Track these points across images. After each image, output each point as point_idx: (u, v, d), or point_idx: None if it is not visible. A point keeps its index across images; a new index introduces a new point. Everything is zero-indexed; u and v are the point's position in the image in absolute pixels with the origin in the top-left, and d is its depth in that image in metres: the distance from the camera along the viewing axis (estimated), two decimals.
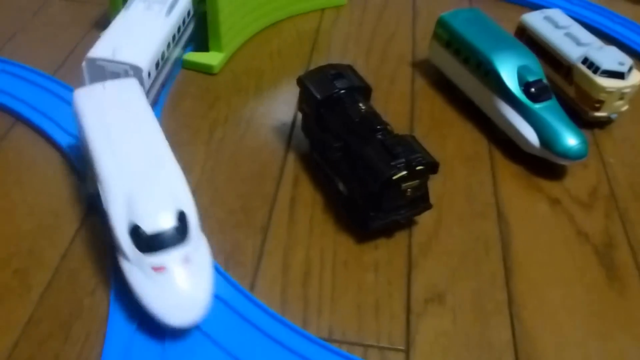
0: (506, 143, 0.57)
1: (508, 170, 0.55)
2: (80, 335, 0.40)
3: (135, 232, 0.39)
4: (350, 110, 0.48)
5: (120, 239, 0.39)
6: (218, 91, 0.60)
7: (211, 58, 0.62)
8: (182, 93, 0.60)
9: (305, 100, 0.51)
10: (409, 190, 0.45)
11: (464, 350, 0.41)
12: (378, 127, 0.46)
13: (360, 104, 0.48)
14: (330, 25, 0.71)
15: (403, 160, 0.43)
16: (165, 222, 0.39)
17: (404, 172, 0.43)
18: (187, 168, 0.49)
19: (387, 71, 0.65)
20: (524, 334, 0.43)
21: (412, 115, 0.60)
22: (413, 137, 0.47)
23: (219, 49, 0.62)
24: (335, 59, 0.66)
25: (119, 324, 0.40)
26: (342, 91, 0.49)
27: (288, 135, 0.56)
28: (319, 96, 0.49)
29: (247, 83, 0.62)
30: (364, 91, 0.51)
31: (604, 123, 0.61)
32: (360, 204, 0.46)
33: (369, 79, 0.52)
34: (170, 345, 0.40)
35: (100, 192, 0.41)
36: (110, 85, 0.47)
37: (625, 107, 0.60)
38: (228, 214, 0.49)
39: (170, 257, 0.39)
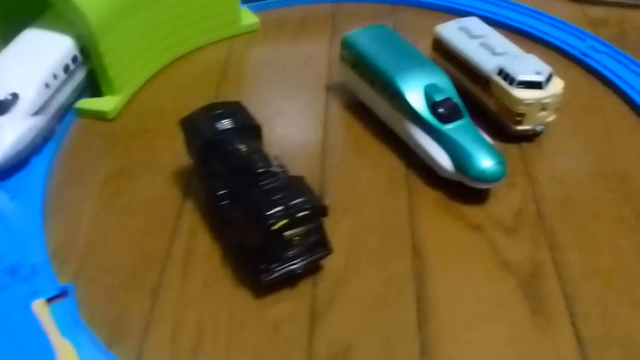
0: (424, 169, 0.52)
1: (426, 198, 0.51)
2: None
3: None
4: (231, 153, 0.43)
5: None
6: (115, 139, 0.56)
7: (104, 103, 0.57)
8: (73, 146, 0.55)
9: (189, 145, 0.47)
10: (295, 238, 0.40)
11: None
12: (259, 170, 0.42)
13: (242, 146, 0.44)
14: (241, 53, 0.67)
15: (282, 207, 0.39)
16: None
17: (284, 221, 0.39)
18: (75, 229, 0.45)
19: (301, 98, 0.61)
20: None
21: (324, 145, 0.55)
22: (301, 179, 0.42)
23: (111, 92, 0.58)
24: (245, 90, 0.62)
25: None
26: (223, 132, 0.45)
27: (186, 182, 0.52)
28: (198, 141, 0.45)
29: (146, 125, 0.57)
30: (251, 129, 0.46)
31: (531, 136, 0.56)
32: (253, 256, 0.42)
33: (281, 108, 0.48)
34: None
35: None
36: None
37: (551, 118, 0.56)
38: (118, 277, 0.45)
39: None
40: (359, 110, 0.59)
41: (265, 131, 0.49)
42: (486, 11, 0.72)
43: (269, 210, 0.39)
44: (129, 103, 0.60)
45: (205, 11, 0.65)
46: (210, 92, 0.61)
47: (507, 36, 0.60)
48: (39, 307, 0.41)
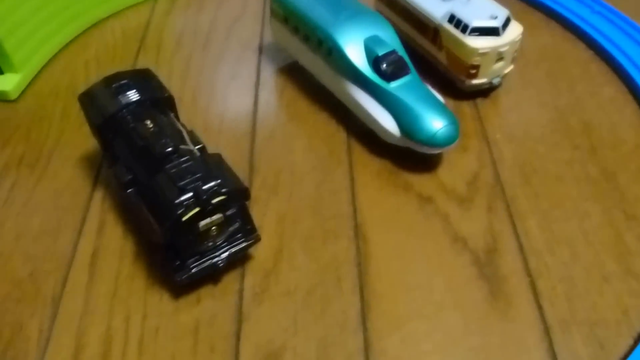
0: (367, 135, 0.46)
1: (369, 169, 0.45)
2: None
3: None
4: (135, 132, 0.37)
5: None
6: (16, 122, 0.49)
7: (4, 82, 0.50)
8: None
9: (89, 125, 0.41)
10: (212, 228, 0.34)
11: None
12: (167, 150, 0.35)
13: (148, 122, 0.37)
14: (163, 17, 0.60)
15: (191, 194, 0.33)
16: None
17: (195, 210, 0.33)
18: None
19: (228, 63, 0.54)
20: None
21: (254, 114, 0.49)
22: (217, 157, 0.36)
23: (13, 69, 0.50)
24: (166, 58, 0.55)
25: None
26: (125, 107, 0.38)
27: (97, 170, 0.45)
28: (98, 119, 0.38)
29: (53, 106, 0.50)
30: (161, 102, 0.40)
31: (487, 91, 0.51)
32: (167, 252, 0.36)
33: (207, 76, 0.41)
34: None
35: None
36: None
37: (509, 69, 0.50)
38: (13, 287, 0.38)
39: None
40: (294, 72, 0.52)
41: (188, 103, 0.42)
42: None
43: (177, 199, 0.33)
44: (33, 81, 0.52)
45: None
46: (127, 63, 0.54)
47: None
48: None
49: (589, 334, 0.36)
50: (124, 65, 0.54)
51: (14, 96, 0.50)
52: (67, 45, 0.56)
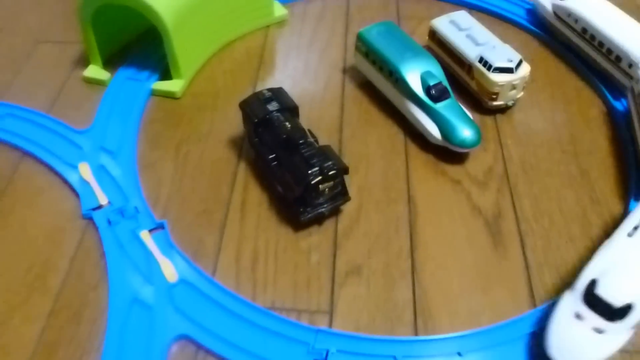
0: (418, 137, 0.69)
1: (419, 160, 0.67)
2: (88, 320, 0.54)
3: None
4: (278, 128, 0.60)
5: None
6: (182, 113, 0.73)
7: (174, 85, 0.74)
8: (151, 118, 0.72)
9: (246, 121, 0.64)
10: (326, 189, 0.57)
11: (374, 309, 0.55)
12: (300, 142, 0.59)
13: (287, 123, 0.60)
14: (274, 40, 0.83)
15: (317, 168, 0.56)
16: None
17: (319, 177, 0.56)
18: (159, 182, 0.61)
19: (322, 78, 0.77)
20: (422, 293, 0.56)
21: (341, 119, 0.72)
22: (329, 147, 0.59)
23: (179, 76, 0.74)
24: (278, 71, 0.78)
25: (116, 310, 0.54)
26: (273, 112, 0.61)
27: (240, 147, 0.68)
28: (254, 119, 0.61)
29: (205, 103, 0.74)
30: (292, 110, 0.63)
31: (504, 109, 0.72)
32: (293, 203, 0.59)
33: (306, 87, 0.63)
34: (154, 319, 0.53)
35: None
36: None
37: (520, 94, 0.71)
38: (194, 217, 0.62)
39: None
40: (369, 89, 0.75)
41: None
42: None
43: (310, 170, 0.56)
44: (189, 85, 0.76)
45: (247, 7, 0.81)
46: (251, 74, 0.77)
47: (490, 22, 0.76)
48: (145, 236, 0.59)
49: (554, 272, 0.58)
50: (250, 77, 0.77)
51: (179, 95, 0.74)
52: (208, 59, 0.80)
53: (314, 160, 0.57)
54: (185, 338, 0.53)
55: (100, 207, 0.62)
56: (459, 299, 0.55)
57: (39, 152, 0.67)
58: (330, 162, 0.57)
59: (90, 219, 0.61)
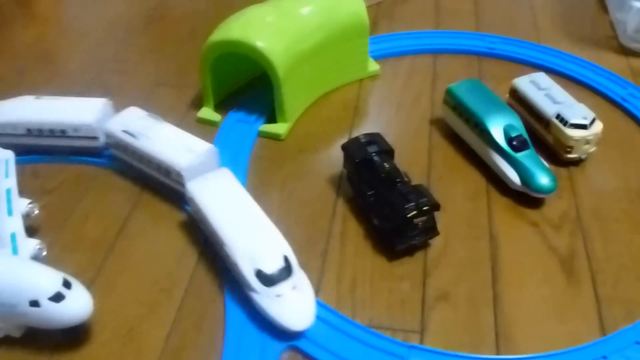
0: (499, 182, 0.76)
1: (500, 203, 0.75)
2: (208, 329, 0.63)
3: (259, 274, 0.61)
4: (378, 168, 0.69)
5: (249, 279, 0.61)
6: (286, 153, 0.83)
7: (279, 128, 0.84)
8: (259, 156, 0.82)
9: (347, 161, 0.73)
10: (420, 223, 0.66)
11: (460, 330, 0.62)
12: (397, 180, 0.68)
13: (385, 164, 0.69)
14: (368, 92, 0.93)
15: (414, 203, 0.65)
16: (278, 264, 0.62)
17: (414, 212, 0.65)
18: (267, 212, 0.71)
19: (412, 128, 0.86)
20: (503, 319, 0.63)
21: (429, 163, 0.80)
22: (422, 186, 0.68)
23: (284, 120, 0.84)
24: (372, 120, 0.88)
25: (233, 321, 0.63)
26: (373, 154, 0.71)
27: (337, 185, 0.77)
28: (356, 159, 0.71)
29: (306, 145, 0.84)
30: (389, 152, 0.72)
31: (577, 162, 0.79)
32: (389, 234, 0.67)
33: (397, 135, 0.72)
34: (267, 332, 0.62)
35: (227, 251, 0.63)
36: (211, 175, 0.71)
37: (593, 149, 0.78)
38: (298, 245, 0.70)
39: (285, 287, 0.61)
40: (454, 140, 0.83)
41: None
42: (550, 62, 0.96)
43: (407, 204, 0.65)
44: (292, 128, 0.86)
45: (347, 61, 0.91)
46: (347, 121, 0.87)
47: (565, 83, 0.85)
48: None
49: (622, 306, 0.64)
50: (346, 124, 0.87)
51: (284, 137, 0.84)
52: (308, 107, 0.90)
53: (411, 197, 0.65)
54: (294, 349, 0.61)
55: None
56: (536, 326, 0.62)
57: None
58: (425, 199, 0.65)
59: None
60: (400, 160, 0.78)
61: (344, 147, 0.73)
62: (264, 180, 0.79)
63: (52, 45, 1.07)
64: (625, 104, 0.88)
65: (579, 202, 0.75)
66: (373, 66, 0.96)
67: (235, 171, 0.78)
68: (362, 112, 0.89)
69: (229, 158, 0.81)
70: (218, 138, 0.85)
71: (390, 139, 0.77)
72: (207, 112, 0.88)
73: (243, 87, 0.93)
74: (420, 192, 0.66)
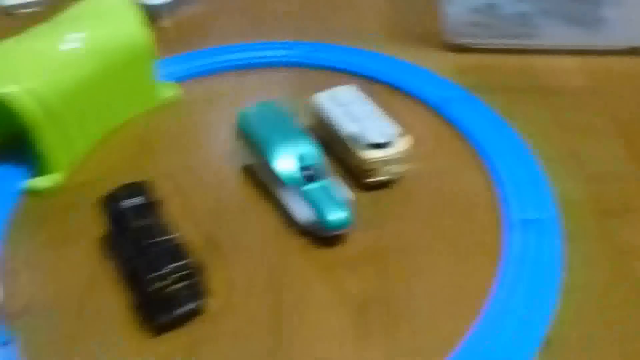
0: (294, 222, 0.66)
1: (294, 246, 0.64)
2: None
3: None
4: (131, 228, 0.58)
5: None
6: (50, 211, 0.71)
7: (43, 181, 0.72)
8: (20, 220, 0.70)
9: (106, 219, 0.62)
10: (181, 290, 0.55)
11: None
12: (152, 241, 0.56)
13: (140, 220, 0.59)
14: (161, 123, 0.82)
15: (162, 272, 0.54)
16: None
17: (164, 282, 0.54)
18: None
19: (206, 166, 0.75)
20: None
21: (221, 205, 0.70)
22: (182, 245, 0.57)
23: (51, 170, 0.73)
24: (162, 158, 0.76)
25: None
26: (129, 209, 0.59)
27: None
28: (110, 217, 0.60)
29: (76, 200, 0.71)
30: (152, 206, 0.61)
31: (387, 184, 0.70)
32: (147, 307, 0.56)
33: (190, 176, 0.66)
34: None
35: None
36: None
37: (403, 168, 0.69)
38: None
39: None
40: (250, 173, 0.73)
41: (175, 199, 0.63)
42: (368, 69, 0.87)
43: (150, 275, 0.54)
44: (70, 178, 0.74)
45: (131, 90, 0.80)
46: (135, 163, 0.76)
47: (385, 92, 0.79)
48: None
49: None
50: (130, 165, 0.75)
51: (51, 191, 0.72)
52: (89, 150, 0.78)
53: (162, 262, 0.54)
54: None
55: None
56: None
57: None
58: (182, 262, 0.55)
59: None
60: (187, 205, 0.67)
61: (101, 203, 0.62)
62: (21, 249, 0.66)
63: None
64: (442, 110, 0.80)
65: (384, 234, 0.66)
66: (169, 91, 0.85)
67: None
68: (152, 150, 0.78)
69: None
70: None
71: (180, 181, 0.66)
72: None
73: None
74: (179, 253, 0.56)
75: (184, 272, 0.54)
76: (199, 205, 0.69)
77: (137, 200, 0.60)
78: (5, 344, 0.57)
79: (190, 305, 0.57)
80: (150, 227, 0.58)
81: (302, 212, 0.64)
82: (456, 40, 0.92)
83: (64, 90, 0.71)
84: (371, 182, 0.69)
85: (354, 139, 0.68)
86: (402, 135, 0.69)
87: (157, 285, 0.53)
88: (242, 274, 0.62)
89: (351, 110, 0.72)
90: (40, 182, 0.72)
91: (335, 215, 0.62)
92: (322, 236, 0.64)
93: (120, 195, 0.61)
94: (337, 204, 0.63)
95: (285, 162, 0.65)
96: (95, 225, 0.67)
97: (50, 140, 0.70)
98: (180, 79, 0.87)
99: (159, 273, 0.54)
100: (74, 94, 0.72)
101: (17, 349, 0.56)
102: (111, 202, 0.61)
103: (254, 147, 0.69)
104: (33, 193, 0.72)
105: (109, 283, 0.62)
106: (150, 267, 0.54)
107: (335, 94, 0.75)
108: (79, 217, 0.69)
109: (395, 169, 0.69)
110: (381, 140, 0.67)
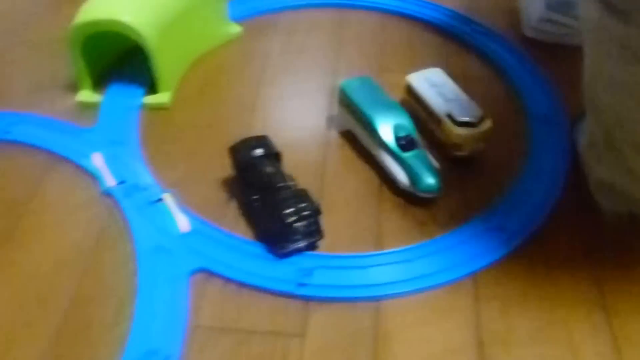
0: (391, 182, 0.76)
1: (391, 203, 0.75)
2: (121, 265, 0.63)
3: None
4: (261, 172, 0.69)
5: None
6: (176, 122, 0.86)
7: (163, 97, 0.87)
8: (148, 121, 0.85)
9: (234, 165, 0.72)
10: (301, 227, 0.65)
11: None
12: (280, 184, 0.67)
13: (268, 168, 0.69)
14: (233, 55, 0.95)
15: (293, 209, 0.65)
16: None
17: (294, 218, 0.65)
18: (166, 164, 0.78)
19: (306, 127, 0.86)
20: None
21: (325, 162, 0.80)
22: (305, 190, 0.67)
23: (166, 89, 0.88)
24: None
25: (143, 254, 0.68)
26: (257, 157, 0.70)
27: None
28: (241, 163, 0.71)
29: (194, 114, 0.87)
30: (274, 156, 0.71)
31: (468, 160, 0.80)
32: (272, 239, 0.67)
33: (292, 135, 0.74)
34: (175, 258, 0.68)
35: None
36: None
37: (483, 145, 0.79)
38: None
39: None
40: (350, 137, 0.83)
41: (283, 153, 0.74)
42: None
43: (285, 210, 0.65)
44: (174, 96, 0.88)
45: (207, 27, 0.97)
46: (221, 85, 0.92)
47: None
48: (166, 197, 0.73)
49: None
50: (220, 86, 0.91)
51: (169, 105, 0.87)
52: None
53: (290, 202, 0.65)
54: (200, 270, 0.66)
55: (113, 186, 0.74)
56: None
57: (58, 149, 0.80)
58: (305, 204, 0.65)
59: (109, 194, 0.74)
60: (293, 161, 0.77)
61: (231, 151, 0.72)
62: (158, 137, 0.82)
63: None
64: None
65: (467, 201, 0.75)
66: (234, 29, 1.00)
67: (127, 131, 0.83)
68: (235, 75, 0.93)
69: (118, 134, 0.82)
70: (102, 118, 0.85)
71: (281, 139, 0.76)
72: (86, 95, 0.88)
73: (115, 63, 0.93)
74: (301, 197, 0.66)
75: (307, 212, 0.65)
76: (304, 162, 0.79)
77: (260, 151, 0.71)
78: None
79: (310, 240, 0.67)
80: (276, 173, 0.69)
81: (400, 175, 0.74)
82: (532, 35, 1.01)
83: (164, 23, 0.85)
84: (459, 155, 0.79)
85: (447, 117, 0.77)
86: (485, 117, 0.79)
87: (289, 220, 0.64)
88: (348, 221, 0.72)
89: (443, 91, 0.81)
90: (159, 98, 0.87)
91: (430, 180, 0.72)
92: (415, 197, 0.74)
93: (248, 145, 0.71)
94: (431, 171, 0.73)
95: (386, 130, 0.75)
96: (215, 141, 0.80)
97: (162, 62, 0.84)
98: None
99: (290, 210, 0.64)
100: (171, 27, 0.86)
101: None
102: (240, 150, 0.71)
103: (356, 114, 0.79)
104: (154, 107, 0.86)
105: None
106: (282, 206, 0.65)
107: (426, 75, 0.84)
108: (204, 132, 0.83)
109: (478, 146, 0.79)
110: (471, 120, 0.77)
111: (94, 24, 0.81)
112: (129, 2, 0.84)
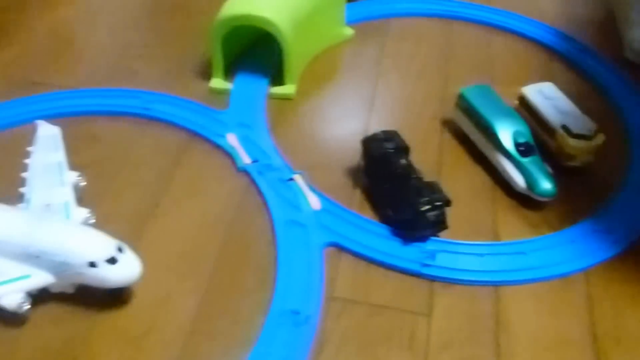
0: (504, 184, 0.82)
1: (504, 203, 0.80)
2: (260, 235, 0.74)
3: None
4: (395, 164, 0.75)
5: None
6: (298, 110, 0.94)
7: (289, 89, 0.95)
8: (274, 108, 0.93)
9: (365, 155, 0.79)
10: (432, 217, 0.71)
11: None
12: (412, 176, 0.73)
13: (402, 160, 0.75)
14: (349, 53, 1.00)
15: (427, 198, 0.70)
16: None
17: (428, 207, 0.70)
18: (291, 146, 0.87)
19: (421, 129, 0.92)
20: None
21: (440, 161, 0.86)
22: (436, 182, 0.73)
23: (292, 82, 0.95)
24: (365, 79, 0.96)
25: (280, 227, 0.76)
26: (390, 150, 0.76)
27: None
28: (375, 155, 0.76)
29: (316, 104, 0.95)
30: (405, 150, 0.77)
31: (578, 170, 0.84)
32: (402, 224, 0.73)
33: (409, 137, 0.80)
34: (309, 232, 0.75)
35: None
36: None
37: (594, 159, 0.84)
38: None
39: None
40: (464, 141, 0.88)
41: None
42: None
43: (420, 199, 0.70)
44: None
45: (326, 27, 1.05)
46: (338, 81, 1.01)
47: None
48: (297, 177, 0.80)
49: None
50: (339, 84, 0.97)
51: (294, 97, 0.95)
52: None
53: (424, 192, 0.71)
54: (333, 245, 0.73)
55: (248, 164, 0.82)
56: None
57: (195, 127, 0.88)
58: (437, 195, 0.71)
59: (245, 171, 0.81)
60: (416, 159, 0.82)
61: (364, 142, 0.79)
62: (291, 138, 0.88)
63: (71, 29, 1.10)
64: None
65: (574, 208, 0.80)
66: (348, 31, 1.08)
67: (258, 129, 0.89)
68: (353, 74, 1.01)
69: (248, 118, 0.90)
70: (232, 103, 0.93)
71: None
72: (218, 82, 0.96)
73: (240, 55, 1.00)
74: (433, 188, 0.72)
75: (439, 203, 0.71)
76: (424, 162, 0.84)
77: (392, 144, 0.77)
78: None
79: (437, 229, 0.73)
80: (409, 165, 0.75)
81: (517, 178, 0.79)
82: (632, 58, 1.05)
83: (297, 20, 0.92)
84: (571, 165, 0.83)
85: (562, 128, 0.82)
86: (599, 131, 0.83)
87: (423, 208, 0.70)
88: (465, 217, 0.78)
89: (557, 104, 0.86)
90: (285, 89, 0.95)
91: (548, 185, 0.77)
92: (528, 200, 0.79)
93: (380, 138, 0.78)
94: (548, 177, 0.78)
95: (505, 136, 0.81)
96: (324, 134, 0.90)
97: (293, 58, 0.92)
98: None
99: (425, 199, 0.70)
100: (301, 25, 0.93)
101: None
102: (373, 143, 0.78)
103: (475, 119, 0.84)
104: (280, 97, 0.95)
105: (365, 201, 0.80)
106: (417, 194, 0.71)
107: (540, 88, 0.89)
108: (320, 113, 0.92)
109: (588, 158, 0.83)
110: (586, 133, 0.82)
111: (238, 18, 0.90)
112: (269, 0, 0.92)
